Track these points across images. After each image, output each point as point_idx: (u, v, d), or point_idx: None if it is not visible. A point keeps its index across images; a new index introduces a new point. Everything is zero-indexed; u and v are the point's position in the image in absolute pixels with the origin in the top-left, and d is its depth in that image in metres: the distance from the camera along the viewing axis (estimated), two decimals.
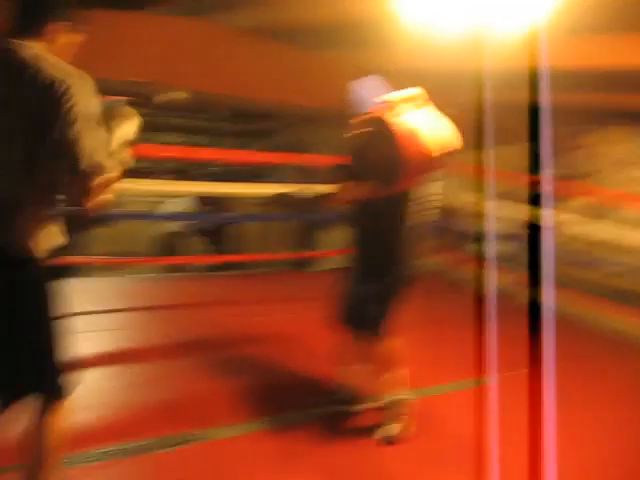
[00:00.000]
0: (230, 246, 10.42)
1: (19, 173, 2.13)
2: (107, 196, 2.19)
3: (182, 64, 6.82)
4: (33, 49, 2.15)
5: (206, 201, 9.76)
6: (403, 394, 3.53)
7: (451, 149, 3.26)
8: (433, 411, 3.81)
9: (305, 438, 3.43)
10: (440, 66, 6.46)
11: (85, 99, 2.13)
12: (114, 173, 2.20)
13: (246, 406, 3.80)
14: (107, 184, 2.17)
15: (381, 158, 3.34)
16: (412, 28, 4.66)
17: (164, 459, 3.15)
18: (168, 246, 8.60)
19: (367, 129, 3.40)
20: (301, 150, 10.41)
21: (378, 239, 3.53)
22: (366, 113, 3.38)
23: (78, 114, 2.08)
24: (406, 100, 3.26)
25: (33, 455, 2.30)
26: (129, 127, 2.39)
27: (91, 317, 5.24)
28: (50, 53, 2.18)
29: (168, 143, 12.51)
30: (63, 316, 2.31)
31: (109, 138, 2.28)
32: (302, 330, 5.06)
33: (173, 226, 8.69)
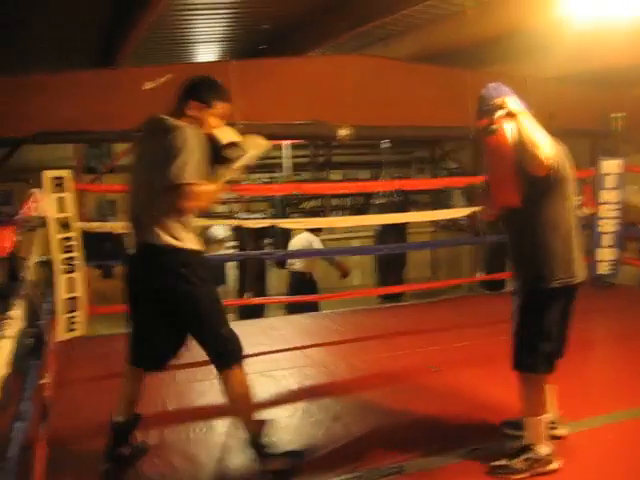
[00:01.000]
0: (409, 274, 10.34)
1: (157, 192, 2.94)
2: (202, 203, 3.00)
3: (345, 100, 6.96)
4: (171, 120, 2.99)
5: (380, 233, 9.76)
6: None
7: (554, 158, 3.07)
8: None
9: None
10: (608, 65, 6.17)
11: (193, 143, 2.89)
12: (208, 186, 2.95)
13: (440, 437, 3.73)
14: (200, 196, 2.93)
15: (499, 166, 3.22)
16: (576, 30, 4.46)
17: None
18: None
19: (488, 138, 3.27)
20: (468, 174, 10.29)
21: (521, 255, 3.32)
22: (488, 120, 3.21)
23: (185, 151, 2.85)
24: (516, 107, 3.08)
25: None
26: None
27: (277, 355, 5.39)
28: (187, 123, 2.99)
29: (334, 180, 12.81)
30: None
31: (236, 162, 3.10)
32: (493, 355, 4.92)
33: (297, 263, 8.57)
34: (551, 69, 6.99)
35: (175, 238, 3.01)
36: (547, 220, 3.18)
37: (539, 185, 3.12)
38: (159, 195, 2.94)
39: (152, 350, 3.27)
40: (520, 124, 3.04)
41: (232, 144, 3.12)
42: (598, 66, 6.40)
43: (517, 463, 3.21)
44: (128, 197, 3.19)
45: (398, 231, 9.66)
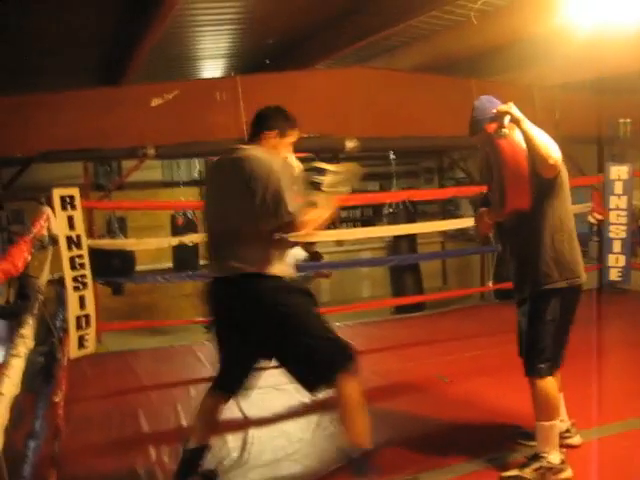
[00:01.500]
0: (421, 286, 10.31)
1: (241, 222, 2.97)
2: (312, 232, 2.99)
3: (351, 113, 6.97)
4: (248, 149, 3.03)
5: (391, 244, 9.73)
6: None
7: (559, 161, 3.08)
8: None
9: None
10: (613, 71, 6.16)
11: (280, 172, 2.90)
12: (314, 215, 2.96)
13: (453, 448, 3.71)
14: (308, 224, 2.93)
15: (513, 169, 3.21)
16: (580, 37, 4.46)
17: None
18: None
19: (488, 146, 3.28)
20: (475, 183, 10.26)
21: (527, 259, 3.30)
22: (485, 130, 3.23)
23: (276, 181, 2.86)
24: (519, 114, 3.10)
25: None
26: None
27: None
28: (261, 150, 3.04)
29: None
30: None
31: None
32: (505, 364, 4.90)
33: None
34: (556, 77, 6.98)
35: (270, 265, 2.98)
36: (553, 222, 3.22)
37: (546, 187, 3.16)
38: (253, 224, 2.94)
39: (232, 376, 3.24)
40: (525, 128, 3.07)
41: (317, 169, 3.08)
42: (603, 73, 6.40)
43: (528, 473, 3.19)
44: (208, 223, 3.26)
45: (410, 241, 9.64)
